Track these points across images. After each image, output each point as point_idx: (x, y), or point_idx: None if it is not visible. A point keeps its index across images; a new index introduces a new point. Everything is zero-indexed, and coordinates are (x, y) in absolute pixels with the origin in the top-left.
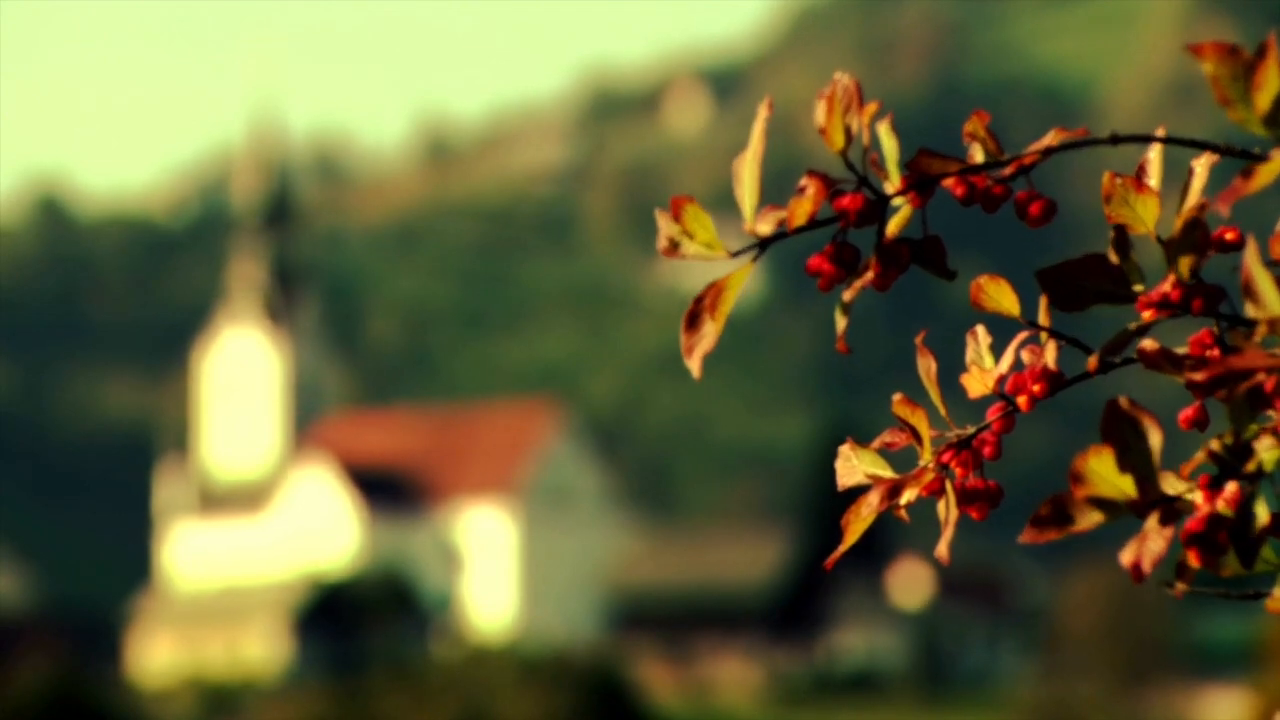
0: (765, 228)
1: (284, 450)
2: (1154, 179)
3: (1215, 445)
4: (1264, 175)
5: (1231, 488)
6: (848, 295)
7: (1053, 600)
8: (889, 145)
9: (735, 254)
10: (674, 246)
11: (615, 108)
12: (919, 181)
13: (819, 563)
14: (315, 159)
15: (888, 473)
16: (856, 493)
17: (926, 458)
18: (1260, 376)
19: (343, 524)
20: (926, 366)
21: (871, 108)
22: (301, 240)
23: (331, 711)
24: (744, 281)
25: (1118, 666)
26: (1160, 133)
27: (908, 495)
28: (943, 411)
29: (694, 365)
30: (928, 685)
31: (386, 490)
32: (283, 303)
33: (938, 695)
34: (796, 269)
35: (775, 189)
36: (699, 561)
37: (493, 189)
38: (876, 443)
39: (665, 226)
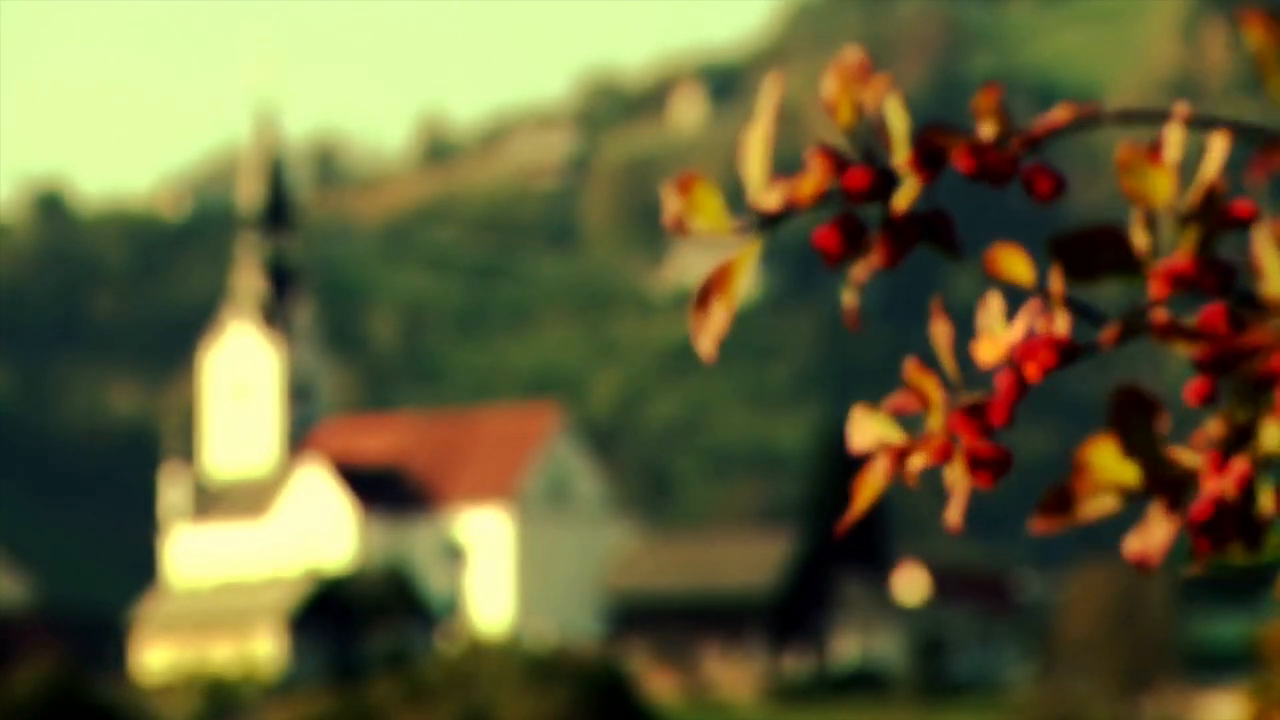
0: (772, 202)
1: (284, 452)
2: (1170, 153)
3: (1218, 426)
4: None
5: (1240, 465)
6: (858, 274)
7: (1052, 601)
8: (897, 119)
9: (742, 230)
10: (680, 224)
11: (615, 108)
12: (927, 156)
13: (819, 563)
14: (315, 160)
15: (899, 436)
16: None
17: (936, 423)
18: (1268, 356)
19: (343, 526)
20: (941, 331)
21: (881, 81)
22: (301, 241)
23: (332, 711)
24: (753, 260)
25: (1117, 667)
26: (1178, 112)
27: (916, 460)
28: (955, 377)
29: (706, 347)
30: (927, 686)
31: (386, 492)
32: (282, 304)
33: (937, 696)
34: (796, 270)
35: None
36: (699, 562)
37: (493, 189)
38: (887, 406)
39: (671, 203)
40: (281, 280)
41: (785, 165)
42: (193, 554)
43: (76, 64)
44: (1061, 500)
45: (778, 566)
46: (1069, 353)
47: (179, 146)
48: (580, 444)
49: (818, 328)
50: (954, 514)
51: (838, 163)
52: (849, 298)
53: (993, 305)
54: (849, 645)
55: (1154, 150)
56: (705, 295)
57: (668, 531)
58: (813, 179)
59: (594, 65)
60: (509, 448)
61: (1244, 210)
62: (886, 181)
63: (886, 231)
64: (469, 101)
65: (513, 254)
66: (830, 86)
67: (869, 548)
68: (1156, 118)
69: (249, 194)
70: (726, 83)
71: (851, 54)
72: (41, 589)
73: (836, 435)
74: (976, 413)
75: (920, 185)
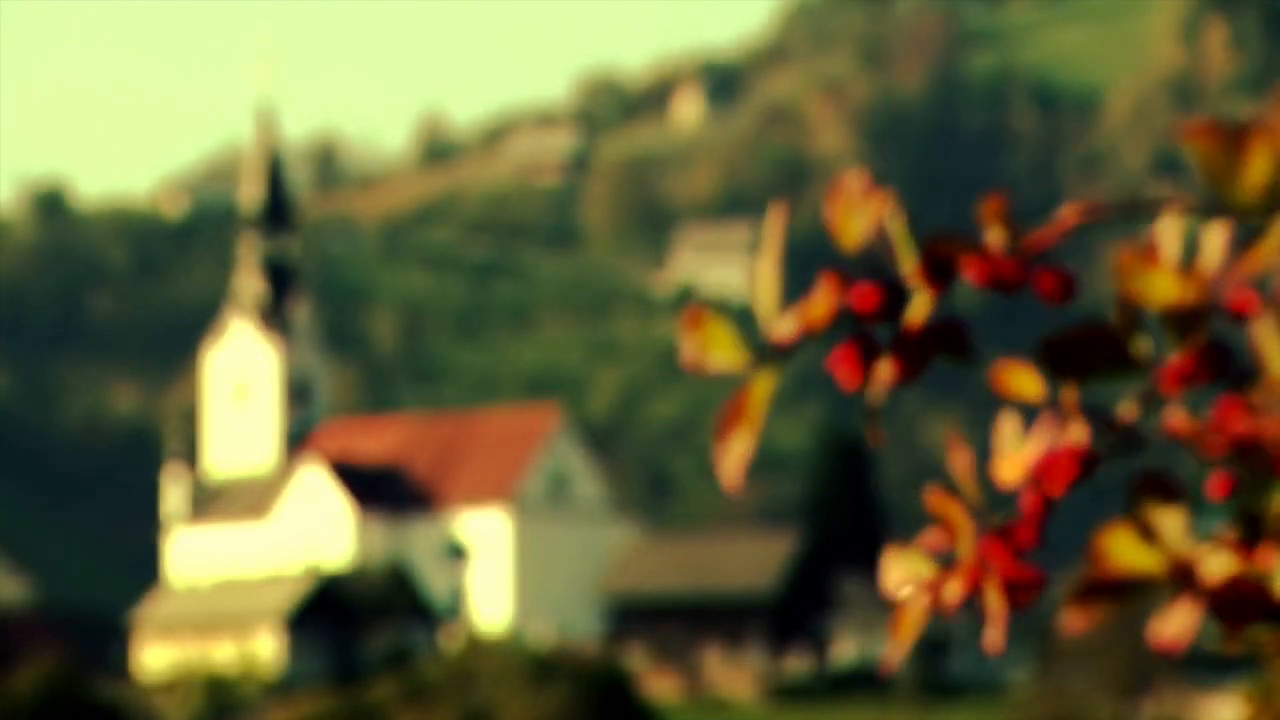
0: (784, 332)
1: (284, 452)
2: (1168, 250)
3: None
4: (1266, 251)
5: (1264, 555)
6: (876, 397)
7: (1053, 603)
8: (899, 231)
9: (757, 364)
10: (696, 361)
11: (615, 108)
12: (936, 267)
13: (819, 563)
14: (315, 160)
15: (930, 571)
16: (856, 491)
17: (966, 550)
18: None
19: (343, 526)
20: (961, 461)
21: (884, 200)
22: (301, 241)
23: (332, 711)
24: (770, 392)
25: (1117, 667)
26: (1175, 200)
27: (951, 594)
28: (978, 504)
29: (729, 477)
30: (927, 686)
31: (386, 492)
32: (281, 304)
33: (937, 696)
34: (796, 270)
35: (778, 188)
36: (699, 562)
37: (493, 189)
38: (919, 544)
39: (686, 340)
40: (281, 280)
41: (786, 165)
42: (193, 554)
43: (76, 64)
44: (1087, 592)
45: (778, 566)
46: (1091, 463)
47: (179, 146)
48: (580, 444)
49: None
50: (994, 638)
51: (847, 281)
52: (871, 421)
53: (1008, 425)
54: (849, 645)
55: (1151, 251)
56: (724, 427)
57: (668, 531)
58: (822, 304)
59: (594, 65)
60: (509, 448)
61: (1246, 305)
62: (897, 298)
63: (900, 349)
64: (469, 101)
65: (513, 254)
66: (834, 210)
67: (869, 548)
68: (1156, 208)
69: (249, 194)
70: (726, 83)
71: (852, 177)
72: (42, 589)
73: (836, 435)
74: (1006, 535)
75: (932, 300)
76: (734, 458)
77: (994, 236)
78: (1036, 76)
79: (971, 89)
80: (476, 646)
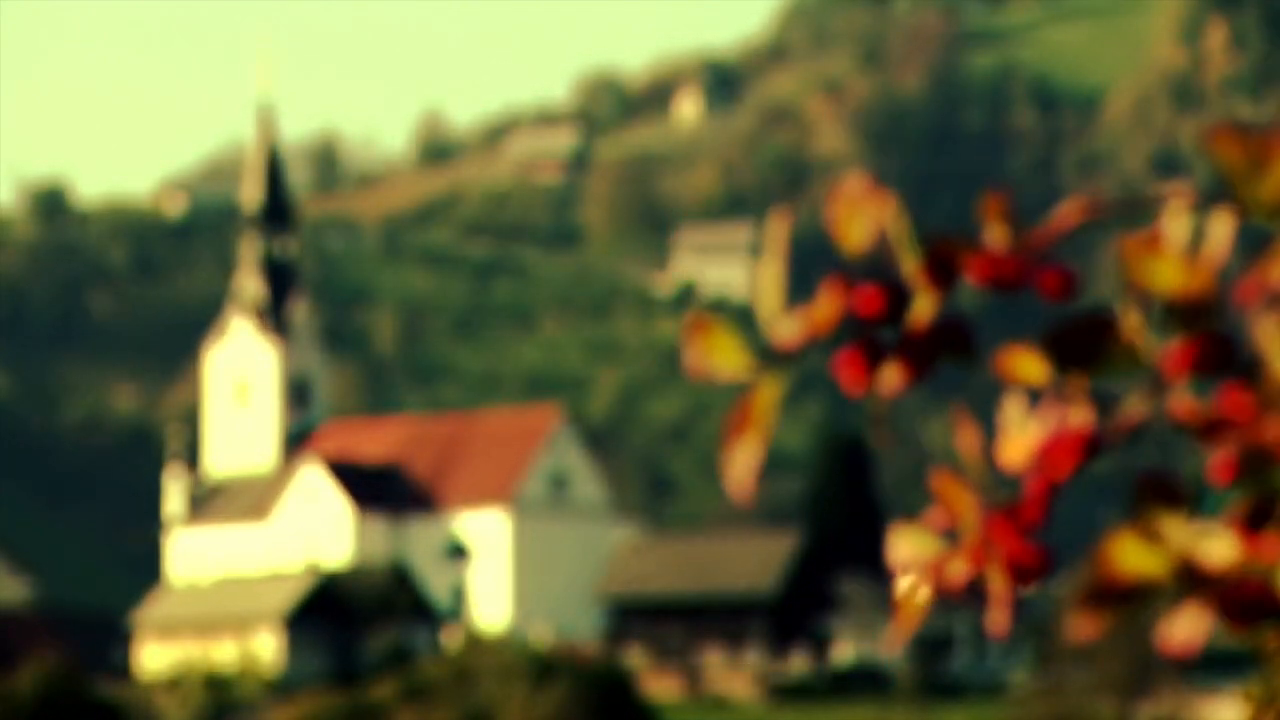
0: (788, 336)
1: (284, 452)
2: (1175, 238)
3: (1242, 505)
4: None
5: (1271, 545)
6: (883, 400)
7: (1053, 602)
8: (901, 233)
9: (761, 369)
10: (701, 368)
11: (616, 107)
12: (938, 268)
13: (819, 563)
14: (315, 160)
15: (934, 550)
16: (856, 491)
17: (971, 529)
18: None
19: (342, 527)
20: (969, 439)
21: (886, 202)
22: (301, 241)
23: (332, 710)
24: (776, 399)
25: (1117, 668)
26: (1180, 193)
27: (955, 572)
28: (984, 485)
29: (737, 488)
30: (927, 686)
31: (386, 493)
32: (281, 304)
33: (937, 696)
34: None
35: (778, 188)
36: (699, 562)
37: (493, 189)
38: (921, 521)
39: (690, 346)
40: (281, 280)
41: (786, 165)
42: (193, 554)
43: (76, 64)
44: (1095, 598)
45: (778, 566)
46: (1095, 447)
47: (179, 146)
48: (580, 444)
49: None
50: (998, 620)
51: (850, 285)
52: (878, 423)
53: (1013, 408)
54: (849, 645)
55: (1154, 239)
56: (731, 435)
57: (668, 531)
58: (827, 307)
59: (594, 65)
60: (509, 448)
61: (1250, 295)
62: (900, 300)
63: (905, 351)
64: (469, 101)
65: (513, 254)
66: (835, 213)
67: (869, 548)
68: (1158, 205)
69: (249, 194)
70: (726, 83)
71: (854, 179)
72: (42, 589)
73: (836, 435)
74: (1012, 515)
75: (935, 301)
76: (742, 465)
77: (995, 235)
78: (1036, 76)
79: (971, 89)
80: (476, 646)
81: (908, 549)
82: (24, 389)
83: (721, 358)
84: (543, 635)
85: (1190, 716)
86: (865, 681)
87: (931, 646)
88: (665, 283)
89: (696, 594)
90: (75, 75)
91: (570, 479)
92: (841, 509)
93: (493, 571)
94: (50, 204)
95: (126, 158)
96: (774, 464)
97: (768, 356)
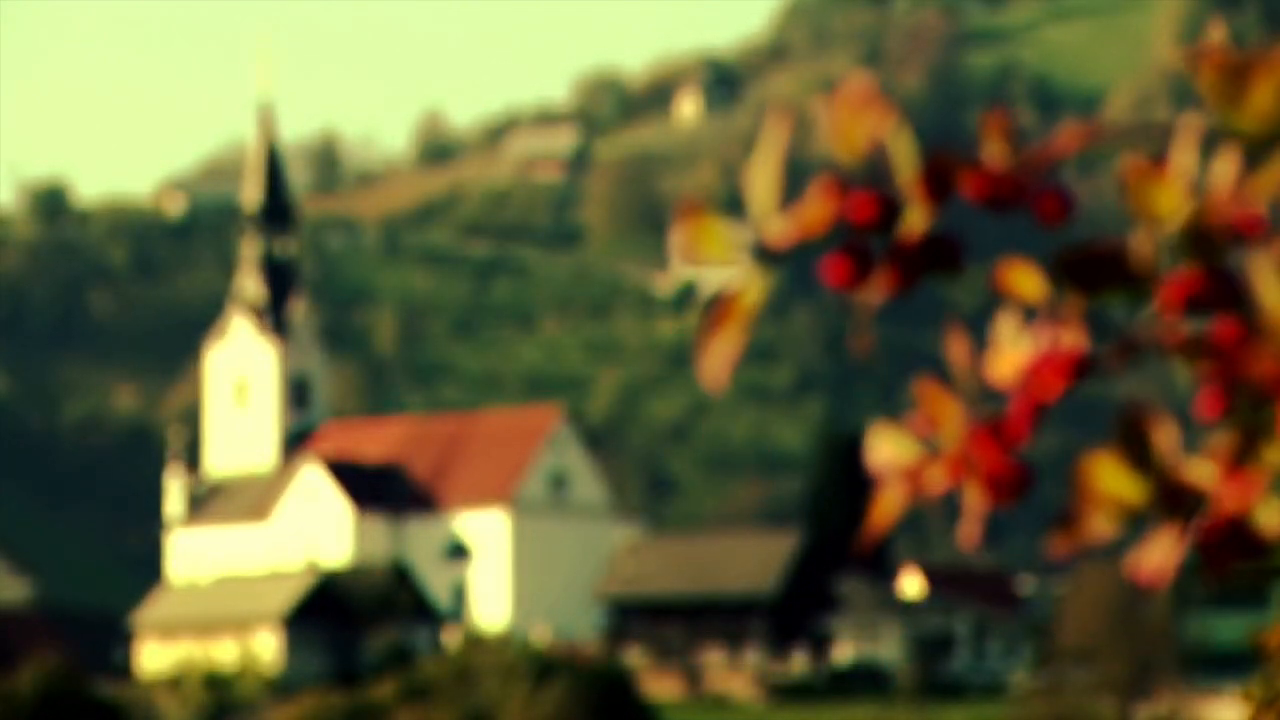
0: (777, 234)
1: (284, 452)
2: (1179, 169)
3: (1228, 437)
4: (1271, 176)
5: (1255, 478)
6: (870, 303)
7: (1052, 601)
8: (902, 145)
9: (748, 263)
10: (688, 253)
11: (616, 107)
12: (935, 183)
13: (819, 563)
14: (315, 160)
15: (914, 454)
16: (856, 490)
17: (952, 440)
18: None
19: (342, 526)
20: (959, 349)
21: (888, 113)
22: (301, 241)
23: (332, 709)
24: (763, 295)
25: (1117, 668)
26: (1188, 124)
27: (933, 480)
28: (971, 397)
29: (711, 379)
30: (927, 686)
31: (386, 493)
32: (281, 304)
33: (937, 696)
34: (795, 271)
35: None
36: (699, 562)
37: (493, 189)
38: (905, 426)
39: (679, 233)
40: (281, 280)
41: (785, 165)
42: (193, 554)
43: (76, 64)
44: (1070, 519)
45: (778, 566)
46: (1084, 369)
47: (179, 146)
48: (580, 444)
49: (817, 328)
50: (969, 531)
51: (844, 190)
52: (861, 328)
53: (1007, 324)
54: (849, 645)
55: (1160, 166)
56: (712, 326)
57: (668, 531)
58: (819, 211)
59: (594, 65)
60: (509, 448)
61: (1253, 226)
62: (892, 210)
63: (894, 260)
64: (469, 101)
65: (513, 253)
66: (836, 115)
67: (869, 548)
68: (1164, 132)
69: (249, 193)
70: (726, 82)
71: (857, 81)
72: (42, 589)
73: (837, 435)
74: (996, 430)
75: (929, 215)
76: (719, 357)
77: (994, 153)
78: (1036, 76)
79: (971, 89)
80: (476, 646)
81: (887, 451)
82: (24, 389)
83: (710, 246)
84: (542, 635)
85: (1190, 716)
86: (865, 681)
87: (931, 646)
88: (665, 283)
89: (696, 594)
90: (75, 75)
91: (570, 479)
92: (841, 509)
93: (493, 571)
94: (50, 204)
95: (126, 158)
96: (774, 464)
97: (758, 253)
